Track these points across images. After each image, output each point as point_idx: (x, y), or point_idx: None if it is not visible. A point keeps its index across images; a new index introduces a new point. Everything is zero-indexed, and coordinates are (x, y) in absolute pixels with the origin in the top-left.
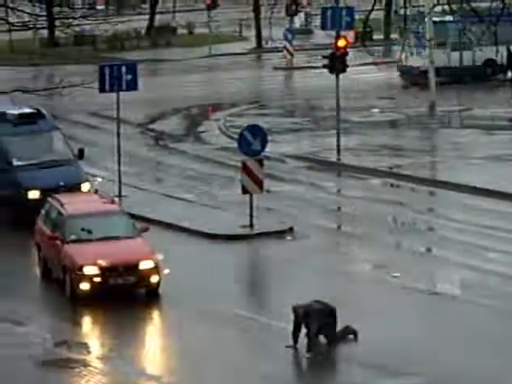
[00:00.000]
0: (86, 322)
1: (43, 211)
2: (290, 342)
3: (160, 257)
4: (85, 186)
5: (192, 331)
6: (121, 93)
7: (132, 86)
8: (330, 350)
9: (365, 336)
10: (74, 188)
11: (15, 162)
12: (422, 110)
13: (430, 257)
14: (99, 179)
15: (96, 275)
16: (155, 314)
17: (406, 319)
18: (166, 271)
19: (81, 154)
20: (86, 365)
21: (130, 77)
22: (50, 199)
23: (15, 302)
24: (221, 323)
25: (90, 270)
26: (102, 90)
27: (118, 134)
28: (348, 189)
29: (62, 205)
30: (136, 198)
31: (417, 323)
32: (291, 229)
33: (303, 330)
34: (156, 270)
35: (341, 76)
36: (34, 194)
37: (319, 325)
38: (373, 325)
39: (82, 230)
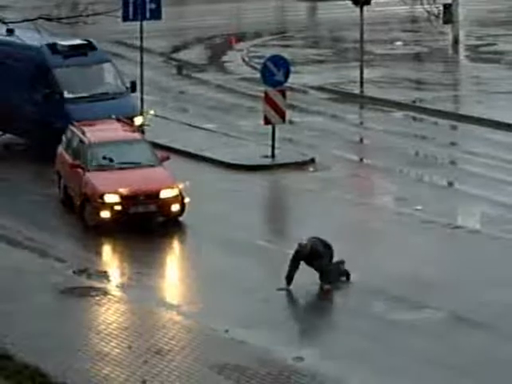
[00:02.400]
0: (106, 250)
1: (64, 139)
2: (282, 285)
3: (181, 185)
4: (137, 120)
5: (212, 260)
6: (144, 22)
7: (156, 15)
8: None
9: (385, 268)
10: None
11: (66, 94)
12: (445, 43)
13: (452, 191)
14: (152, 112)
15: (117, 203)
16: (175, 243)
17: (428, 252)
18: (187, 200)
19: (133, 87)
20: (105, 293)
21: (153, 6)
22: (71, 127)
23: (36, 230)
24: (241, 252)
25: (110, 198)
26: (125, 18)
27: (142, 63)
28: (370, 121)
29: (83, 133)
30: (158, 127)
31: (438, 257)
32: (313, 160)
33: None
34: (177, 198)
35: (365, 8)
36: None
37: (329, 258)
38: (393, 257)
39: (104, 158)
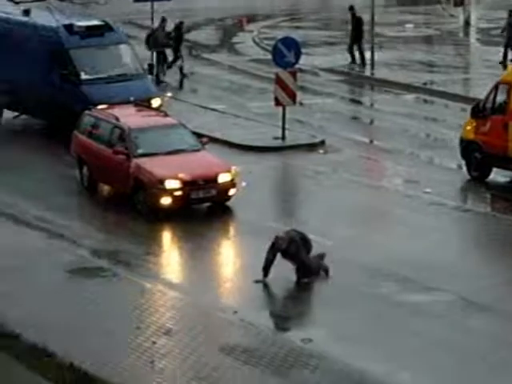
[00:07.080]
0: (118, 231)
1: (84, 124)
2: (260, 277)
3: (238, 169)
4: (155, 102)
5: (222, 241)
6: (155, 2)
7: None
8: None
9: (394, 250)
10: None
11: (82, 76)
12: (456, 26)
13: (462, 173)
14: (169, 94)
15: (177, 189)
16: (184, 223)
17: (437, 235)
18: (244, 184)
19: (150, 69)
20: (114, 273)
21: None
22: (91, 112)
23: (52, 212)
24: (250, 234)
25: (171, 183)
26: None
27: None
28: (381, 103)
29: (116, 118)
30: (168, 108)
31: (447, 239)
32: (323, 142)
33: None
34: (232, 182)
35: None
36: None
37: (307, 252)
38: (403, 240)
39: (148, 143)
